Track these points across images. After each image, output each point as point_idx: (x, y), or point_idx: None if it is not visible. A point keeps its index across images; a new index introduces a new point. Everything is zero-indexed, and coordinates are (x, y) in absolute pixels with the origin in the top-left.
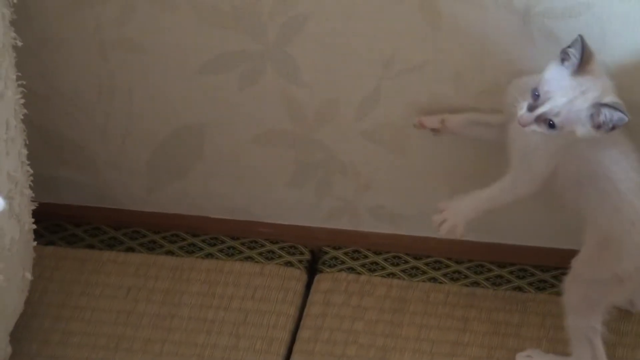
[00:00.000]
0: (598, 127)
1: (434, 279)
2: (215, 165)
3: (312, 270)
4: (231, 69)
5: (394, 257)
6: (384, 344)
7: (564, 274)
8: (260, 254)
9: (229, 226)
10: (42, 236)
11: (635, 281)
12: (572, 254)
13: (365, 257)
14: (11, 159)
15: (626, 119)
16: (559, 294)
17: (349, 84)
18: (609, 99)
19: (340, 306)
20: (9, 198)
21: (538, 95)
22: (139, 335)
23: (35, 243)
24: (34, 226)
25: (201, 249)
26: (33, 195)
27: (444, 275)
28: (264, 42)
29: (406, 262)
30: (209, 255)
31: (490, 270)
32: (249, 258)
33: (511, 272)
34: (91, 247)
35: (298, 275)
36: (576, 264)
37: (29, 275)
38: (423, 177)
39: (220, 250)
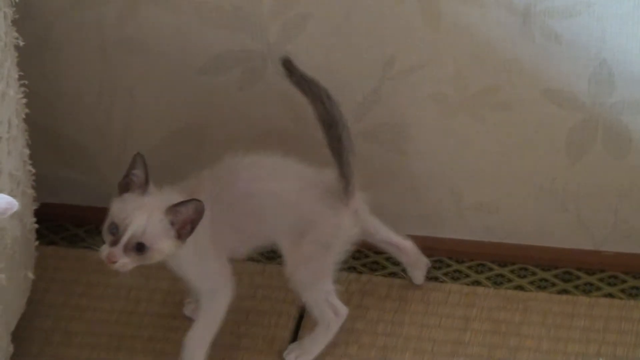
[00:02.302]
0: (179, 235)
1: (435, 278)
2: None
3: None
4: (232, 68)
5: None
6: (384, 343)
7: (565, 272)
8: (261, 253)
9: None
10: (44, 236)
11: (337, 239)
12: (573, 253)
13: (367, 256)
14: (13, 158)
15: (201, 204)
16: (560, 292)
17: (350, 84)
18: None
19: None
20: None
21: (117, 229)
22: (140, 335)
23: (37, 243)
24: (36, 226)
25: None
26: (35, 195)
27: (445, 274)
28: (264, 42)
29: None
30: None
31: (491, 269)
32: (250, 258)
33: (512, 271)
34: (92, 247)
35: None
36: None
37: (30, 275)
38: (423, 176)
39: None
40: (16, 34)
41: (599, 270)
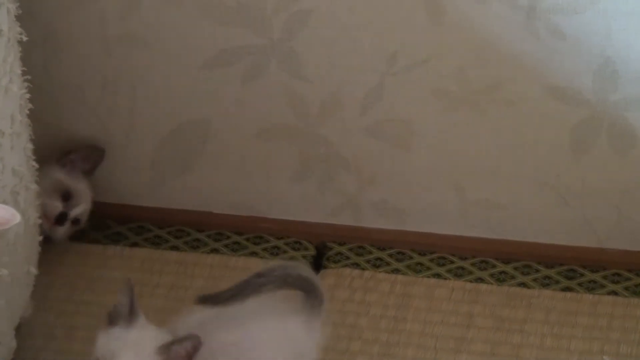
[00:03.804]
0: None
1: (438, 275)
2: (219, 161)
3: (317, 265)
4: (235, 63)
5: (398, 253)
6: (387, 339)
7: (569, 270)
8: (264, 249)
9: (233, 221)
10: None
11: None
12: (576, 250)
13: (370, 252)
14: (16, 153)
15: (199, 339)
16: (563, 290)
17: (353, 79)
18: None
19: (344, 302)
20: (14, 193)
21: None
22: None
23: (40, 238)
24: (39, 221)
25: (206, 244)
26: (38, 190)
27: (448, 271)
28: (267, 37)
29: (410, 258)
30: (214, 251)
31: (494, 266)
32: (253, 253)
33: (515, 268)
34: (96, 242)
35: None
36: None
37: (33, 270)
38: (426, 172)
39: (225, 246)
40: (19, 29)
41: (603, 268)
